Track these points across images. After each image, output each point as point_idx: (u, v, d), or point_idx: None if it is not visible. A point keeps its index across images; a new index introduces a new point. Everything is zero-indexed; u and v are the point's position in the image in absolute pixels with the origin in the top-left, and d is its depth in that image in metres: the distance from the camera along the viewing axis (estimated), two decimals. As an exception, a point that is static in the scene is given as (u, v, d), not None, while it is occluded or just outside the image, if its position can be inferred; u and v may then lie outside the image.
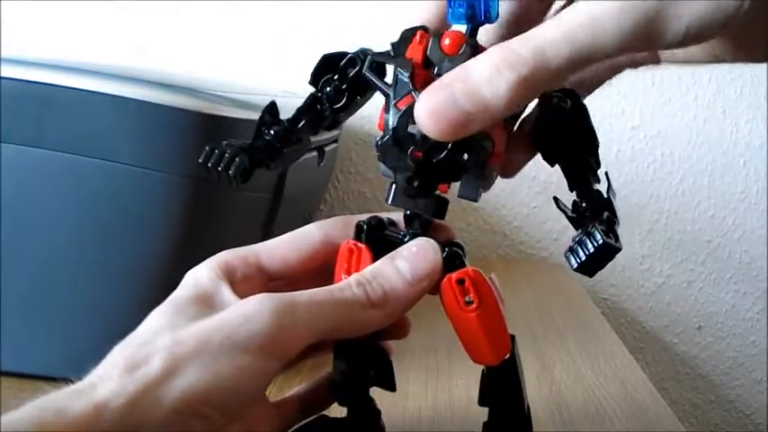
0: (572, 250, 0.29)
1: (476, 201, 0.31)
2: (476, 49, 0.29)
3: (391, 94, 0.29)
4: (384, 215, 0.33)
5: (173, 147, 0.40)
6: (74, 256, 0.42)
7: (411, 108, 0.28)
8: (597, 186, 0.31)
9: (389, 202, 0.31)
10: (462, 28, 0.30)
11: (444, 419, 0.42)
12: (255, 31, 0.85)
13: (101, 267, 0.42)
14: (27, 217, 0.41)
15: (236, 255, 0.32)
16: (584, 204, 0.31)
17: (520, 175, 0.33)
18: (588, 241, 0.29)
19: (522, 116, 0.33)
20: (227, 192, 0.44)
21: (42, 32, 0.85)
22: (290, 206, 0.53)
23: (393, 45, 0.31)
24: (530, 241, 0.91)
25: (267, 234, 0.42)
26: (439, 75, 0.29)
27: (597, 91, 0.35)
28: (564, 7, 0.27)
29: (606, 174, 0.31)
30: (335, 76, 0.32)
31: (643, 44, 0.26)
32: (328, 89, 0.32)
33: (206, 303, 0.29)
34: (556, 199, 0.32)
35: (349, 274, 0.31)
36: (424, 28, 0.31)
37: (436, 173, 0.29)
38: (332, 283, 0.30)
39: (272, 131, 0.31)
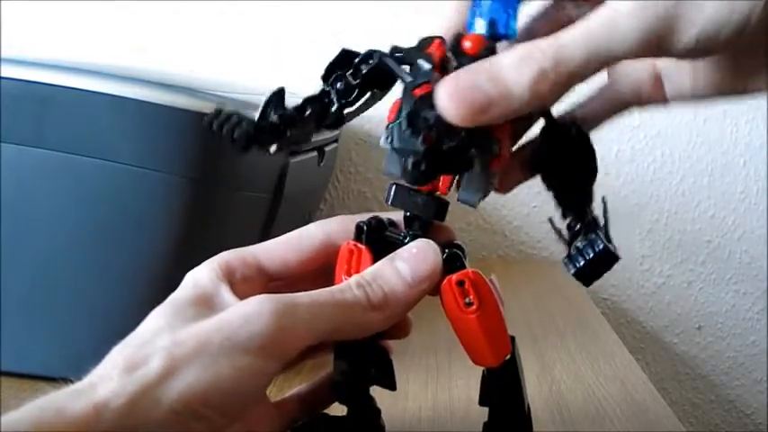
0: (571, 257, 0.30)
1: (474, 206, 0.31)
2: (494, 53, 0.29)
3: (409, 81, 0.29)
4: (384, 215, 0.33)
5: (173, 147, 0.40)
6: (74, 256, 0.42)
7: (429, 95, 0.28)
8: (591, 215, 0.31)
9: (389, 202, 0.31)
10: None
11: (444, 419, 0.42)
12: (255, 31, 0.85)
13: (101, 267, 0.42)
14: (27, 217, 0.41)
15: (236, 256, 0.32)
16: (577, 227, 0.31)
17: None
18: (589, 247, 0.29)
19: (525, 138, 0.33)
20: (227, 192, 0.44)
21: (42, 32, 0.85)
22: (290, 206, 0.53)
23: (410, 48, 0.31)
24: (530, 241, 0.91)
25: (267, 234, 0.42)
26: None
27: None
28: None
29: (604, 199, 0.32)
30: (348, 72, 0.32)
31: (656, 48, 0.26)
32: (339, 84, 0.32)
33: (206, 304, 0.29)
34: (551, 220, 0.32)
35: (349, 274, 0.31)
36: (441, 38, 0.31)
37: (443, 161, 0.29)
38: (332, 284, 0.30)
39: (277, 114, 0.31)
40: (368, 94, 0.32)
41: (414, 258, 0.30)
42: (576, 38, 0.26)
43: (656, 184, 0.91)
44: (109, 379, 0.25)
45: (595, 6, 0.27)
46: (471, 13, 0.30)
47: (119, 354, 0.26)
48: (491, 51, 0.29)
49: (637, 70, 0.33)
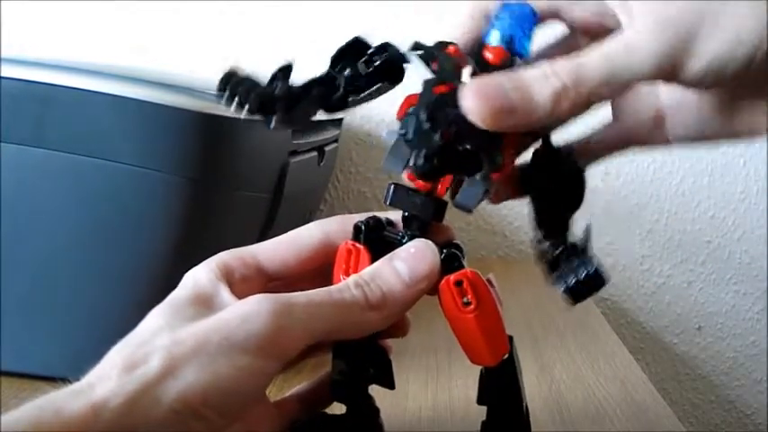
0: (562, 275, 0.30)
1: (470, 212, 0.31)
2: (513, 66, 0.30)
3: (432, 78, 0.30)
4: (383, 215, 0.33)
5: (173, 147, 0.40)
6: (74, 256, 0.42)
7: (451, 93, 0.29)
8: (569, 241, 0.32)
9: (388, 202, 0.31)
10: None
11: (444, 419, 0.42)
12: (255, 31, 0.85)
13: (101, 267, 0.42)
14: (27, 217, 0.41)
15: (235, 255, 0.32)
16: (560, 250, 0.32)
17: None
18: (581, 268, 0.30)
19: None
20: (226, 192, 0.44)
21: (42, 32, 0.85)
22: (290, 206, 0.53)
23: (431, 47, 0.31)
24: (530, 241, 0.90)
25: (267, 234, 0.42)
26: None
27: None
28: None
29: (588, 226, 0.32)
30: (360, 61, 0.32)
31: (670, 72, 0.28)
32: (347, 71, 0.32)
33: (205, 304, 0.29)
34: (533, 240, 0.33)
35: (347, 274, 0.31)
36: (455, 45, 0.31)
37: (455, 160, 0.29)
38: (330, 284, 0.30)
39: (283, 88, 0.31)
40: (375, 86, 0.32)
41: (412, 258, 0.30)
42: (595, 59, 0.27)
43: (656, 184, 0.91)
44: (107, 378, 0.25)
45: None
46: (490, 26, 0.30)
47: (117, 353, 0.26)
48: (510, 64, 0.30)
49: (640, 110, 0.34)
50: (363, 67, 0.31)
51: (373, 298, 0.29)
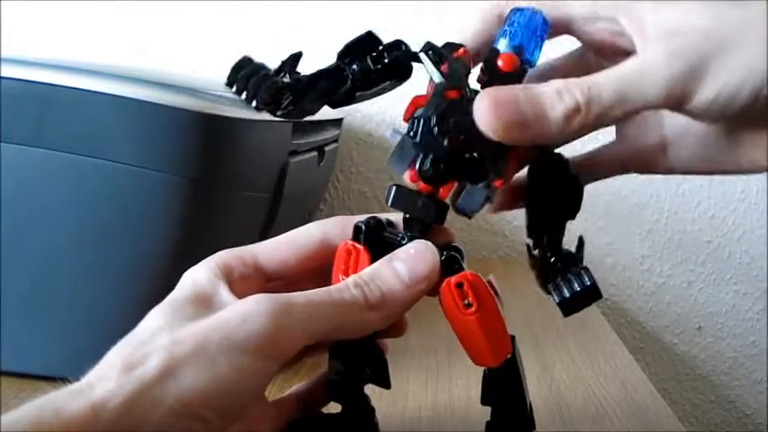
0: (556, 286, 0.30)
1: (470, 217, 0.31)
2: (525, 74, 0.30)
3: (443, 82, 0.30)
4: (383, 216, 0.33)
5: (173, 147, 0.40)
6: (74, 256, 0.42)
7: (461, 100, 0.29)
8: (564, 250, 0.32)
9: (389, 203, 0.31)
10: None
11: (444, 419, 0.42)
12: (255, 31, 0.85)
13: (101, 267, 0.42)
14: (27, 217, 0.41)
15: (234, 254, 0.32)
16: (552, 258, 0.32)
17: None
18: (575, 281, 0.30)
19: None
20: (227, 192, 0.44)
21: (42, 32, 0.85)
22: (290, 206, 0.53)
23: (443, 49, 0.31)
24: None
25: (267, 234, 0.42)
26: (486, 86, 0.30)
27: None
28: None
29: (581, 238, 0.32)
30: (369, 56, 0.32)
31: (680, 100, 0.28)
32: (355, 65, 0.32)
33: (204, 303, 0.29)
34: (528, 247, 0.33)
35: (347, 275, 0.31)
36: (464, 47, 0.31)
37: (461, 167, 0.30)
38: (330, 284, 0.30)
39: (291, 79, 0.31)
40: (384, 84, 0.32)
41: (412, 259, 0.30)
42: (607, 81, 0.28)
43: (656, 184, 0.91)
44: (107, 379, 0.25)
45: (617, 61, 0.28)
46: (501, 30, 0.30)
47: (117, 353, 0.26)
48: (522, 72, 0.30)
49: (645, 135, 0.35)
50: (371, 63, 0.31)
51: (373, 298, 0.29)
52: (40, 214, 0.41)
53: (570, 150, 0.34)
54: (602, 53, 0.32)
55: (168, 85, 0.41)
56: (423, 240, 0.31)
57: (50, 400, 0.24)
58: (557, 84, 0.28)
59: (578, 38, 0.33)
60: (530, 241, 0.33)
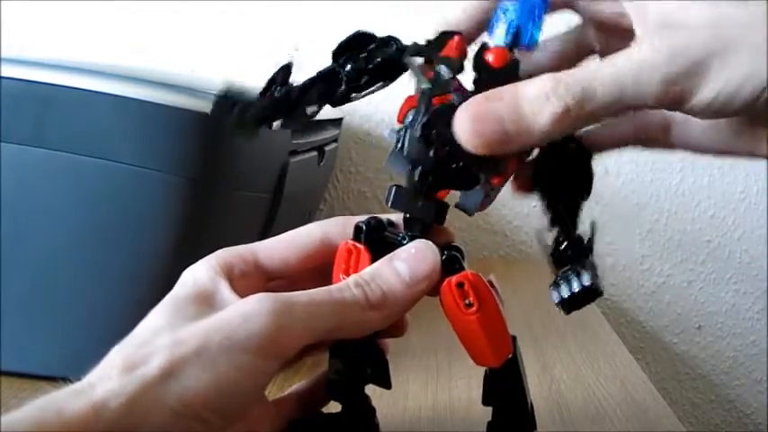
0: (557, 285, 0.30)
1: (471, 214, 0.31)
2: (518, 67, 0.29)
3: (429, 88, 0.29)
4: (383, 216, 0.33)
5: (173, 147, 0.40)
6: (74, 256, 0.42)
7: (446, 107, 0.28)
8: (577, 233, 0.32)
9: (389, 204, 0.31)
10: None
11: (444, 419, 0.42)
12: (255, 31, 0.85)
13: (101, 267, 0.42)
14: (27, 217, 0.41)
15: (234, 252, 0.32)
16: (564, 244, 0.31)
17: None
18: (575, 281, 0.30)
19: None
20: (226, 192, 0.44)
21: (42, 32, 0.85)
22: (290, 206, 0.53)
23: (429, 42, 0.31)
24: (530, 241, 0.90)
25: (267, 234, 0.42)
26: (478, 84, 0.29)
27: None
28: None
29: (593, 224, 0.32)
30: (362, 55, 0.31)
31: (677, 101, 0.27)
32: (349, 66, 0.31)
33: (205, 302, 0.29)
34: (538, 234, 0.33)
35: (347, 274, 0.31)
36: (460, 34, 0.31)
37: (451, 177, 0.30)
38: (330, 284, 0.30)
39: (282, 92, 0.31)
40: (377, 84, 0.32)
41: (412, 258, 0.30)
42: (603, 80, 0.27)
43: (656, 184, 0.91)
44: (108, 378, 0.25)
45: (620, 39, 0.28)
46: (496, 17, 0.29)
47: (118, 353, 0.26)
48: (514, 66, 0.29)
49: (649, 113, 0.34)
50: (364, 63, 0.31)
51: (373, 297, 0.29)
52: (40, 214, 0.41)
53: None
54: (604, 30, 0.32)
55: (168, 85, 0.41)
56: (423, 240, 0.31)
57: (51, 400, 0.24)
58: (545, 84, 0.27)
59: (580, 13, 0.32)
60: (541, 228, 0.32)
